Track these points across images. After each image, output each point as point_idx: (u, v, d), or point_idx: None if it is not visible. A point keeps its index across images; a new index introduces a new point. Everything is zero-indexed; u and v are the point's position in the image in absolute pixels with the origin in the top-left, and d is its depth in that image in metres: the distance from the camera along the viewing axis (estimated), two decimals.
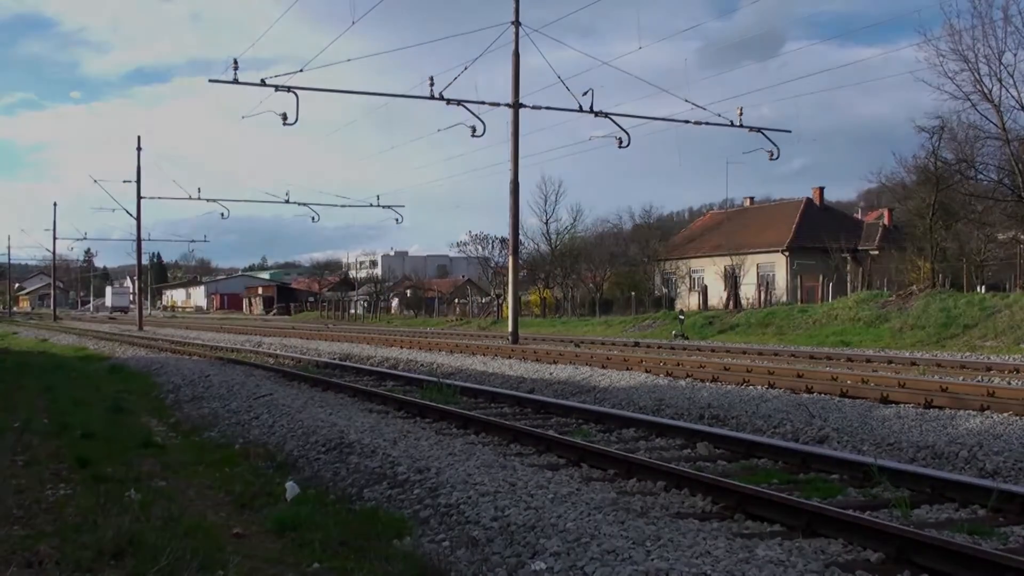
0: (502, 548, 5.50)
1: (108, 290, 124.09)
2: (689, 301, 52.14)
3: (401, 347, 26.51)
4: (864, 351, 23.47)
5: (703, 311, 42.65)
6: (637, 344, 27.85)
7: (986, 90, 33.96)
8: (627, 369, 17.33)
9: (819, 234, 48.91)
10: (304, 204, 43.13)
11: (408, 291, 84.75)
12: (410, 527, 6.18)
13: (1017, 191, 35.35)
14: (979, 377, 16.03)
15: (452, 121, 26.80)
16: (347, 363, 20.98)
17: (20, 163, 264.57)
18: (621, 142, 26.51)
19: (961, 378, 15.38)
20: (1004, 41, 33.75)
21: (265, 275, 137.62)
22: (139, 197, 47.16)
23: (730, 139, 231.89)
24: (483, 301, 63.30)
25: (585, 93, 25.79)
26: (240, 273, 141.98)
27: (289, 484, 7.44)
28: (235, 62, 23.33)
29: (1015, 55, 33.54)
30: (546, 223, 61.66)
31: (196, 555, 5.08)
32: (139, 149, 46.73)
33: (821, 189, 58.56)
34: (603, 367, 17.68)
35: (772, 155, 27.81)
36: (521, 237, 35.02)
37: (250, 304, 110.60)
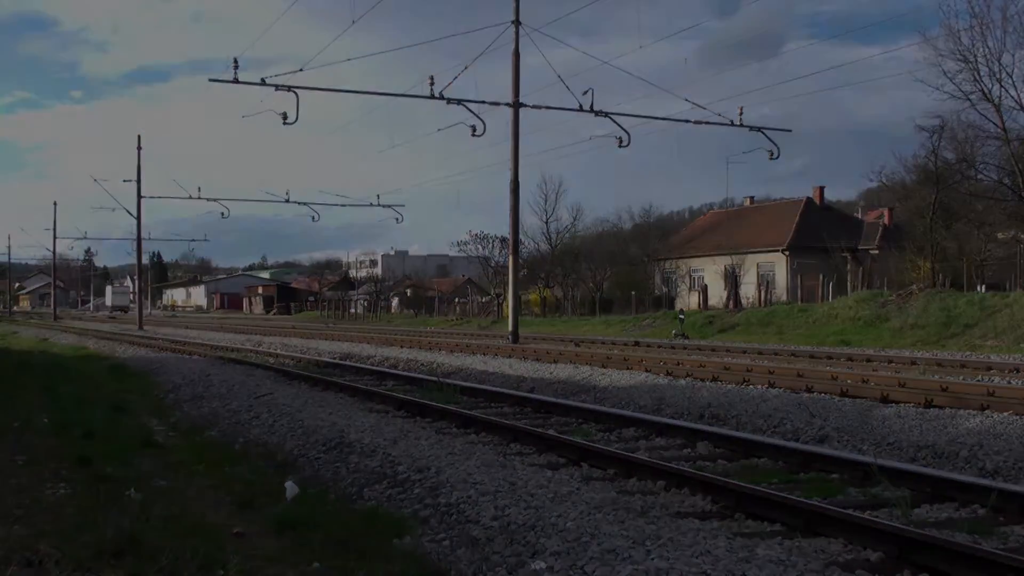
0: (502, 547, 5.50)
1: (108, 289, 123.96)
2: (689, 300, 52.13)
3: (401, 346, 26.51)
4: (864, 350, 23.45)
5: (703, 310, 42.66)
6: (637, 343, 27.85)
7: (986, 90, 34.05)
8: (627, 368, 17.32)
9: (819, 233, 48.89)
10: (304, 204, 43.25)
11: (408, 291, 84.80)
12: (410, 526, 6.18)
13: (1017, 190, 35.38)
14: (979, 376, 16.04)
15: (452, 120, 26.93)
16: (347, 362, 20.98)
17: (20, 163, 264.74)
18: (621, 142, 26.50)
19: (961, 377, 15.38)
20: (1003, 41, 33.84)
21: (265, 274, 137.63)
22: (139, 196, 47.10)
23: (730, 138, 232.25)
24: (483, 300, 63.30)
25: (585, 92, 25.80)
26: (240, 272, 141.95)
27: (289, 484, 7.45)
28: (235, 61, 23.34)
29: (1014, 55, 33.63)
30: (546, 222, 61.79)
31: (196, 554, 5.07)
32: (139, 148, 46.65)
33: (821, 188, 58.55)
34: (603, 366, 17.67)
35: (772, 154, 27.79)
36: (521, 236, 34.96)
37: (250, 303, 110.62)
